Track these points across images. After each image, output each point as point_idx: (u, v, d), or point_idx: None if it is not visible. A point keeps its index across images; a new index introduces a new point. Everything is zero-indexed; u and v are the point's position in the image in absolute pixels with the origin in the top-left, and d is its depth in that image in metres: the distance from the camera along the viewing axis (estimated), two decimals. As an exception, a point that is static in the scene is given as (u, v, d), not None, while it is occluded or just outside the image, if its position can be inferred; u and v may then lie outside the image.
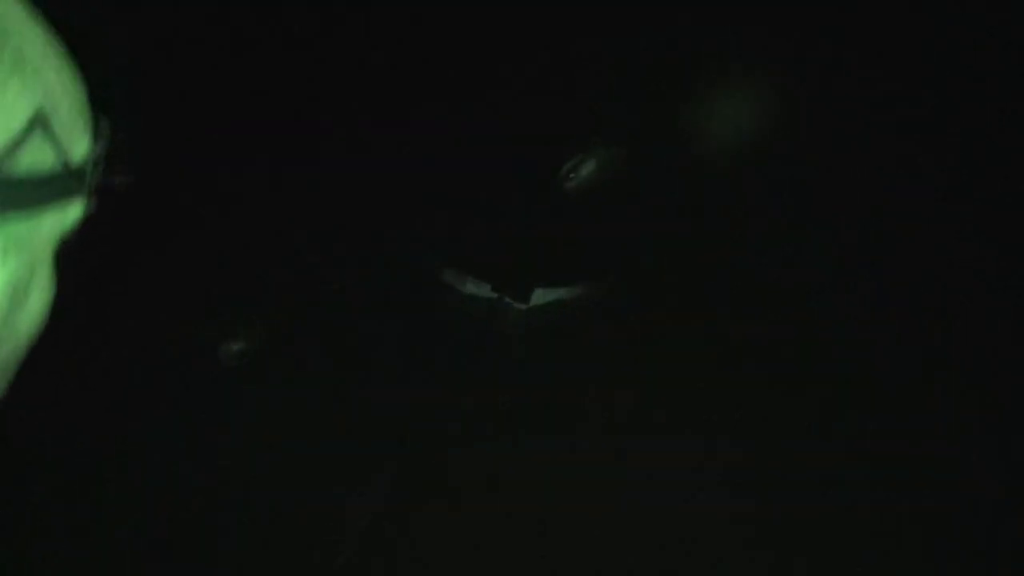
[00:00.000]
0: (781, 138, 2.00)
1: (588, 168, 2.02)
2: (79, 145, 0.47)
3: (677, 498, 1.82)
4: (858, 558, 1.75)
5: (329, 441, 1.81)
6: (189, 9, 1.88)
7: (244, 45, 1.91)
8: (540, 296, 2.03)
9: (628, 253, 2.05)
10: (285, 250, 1.96)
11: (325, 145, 1.99)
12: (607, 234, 2.05)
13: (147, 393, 1.75)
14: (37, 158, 0.43)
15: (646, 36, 1.98)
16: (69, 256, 0.49)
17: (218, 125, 1.89)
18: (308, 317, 1.93)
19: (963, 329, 1.87)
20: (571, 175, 2.02)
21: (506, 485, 1.83)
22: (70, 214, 0.47)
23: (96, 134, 0.48)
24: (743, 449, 1.85)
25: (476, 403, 1.92)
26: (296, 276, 1.95)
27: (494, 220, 2.06)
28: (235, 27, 1.92)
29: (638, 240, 2.04)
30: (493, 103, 2.02)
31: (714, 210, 1.99)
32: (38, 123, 0.43)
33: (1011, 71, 1.92)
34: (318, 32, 1.99)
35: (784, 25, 1.95)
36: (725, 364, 1.89)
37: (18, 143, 0.42)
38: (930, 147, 1.93)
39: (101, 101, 0.49)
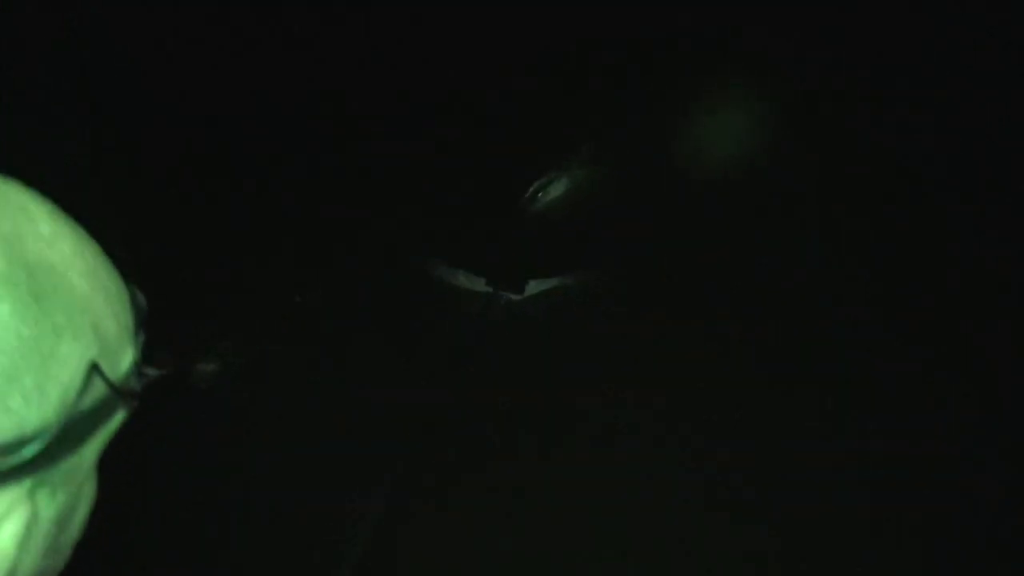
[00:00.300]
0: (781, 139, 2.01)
1: (571, 179, 2.05)
2: (125, 359, 0.48)
3: (673, 495, 1.82)
4: (858, 557, 1.75)
5: (327, 441, 1.81)
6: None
7: (233, 48, 1.92)
8: (534, 287, 2.04)
9: (623, 246, 2.06)
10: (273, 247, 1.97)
11: (313, 145, 2.00)
12: (602, 228, 2.06)
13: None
14: (90, 398, 0.44)
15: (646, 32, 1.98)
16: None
17: (200, 127, 1.90)
18: (300, 316, 1.94)
19: (966, 330, 1.87)
20: (549, 186, 2.05)
21: (503, 482, 1.83)
22: (115, 422, 0.48)
23: (137, 338, 0.49)
24: (741, 446, 1.85)
25: (472, 399, 1.93)
26: (286, 272, 1.96)
27: (487, 215, 2.07)
28: (219, 27, 1.93)
29: (633, 234, 2.05)
30: (491, 97, 2.03)
31: (711, 205, 1.99)
32: (93, 372, 0.44)
33: (1012, 71, 1.92)
34: (314, 32, 2.00)
35: (781, 26, 1.95)
36: (722, 360, 1.89)
37: (76, 397, 0.43)
38: (932, 147, 1.93)
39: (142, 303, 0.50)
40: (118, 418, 0.47)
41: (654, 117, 2.04)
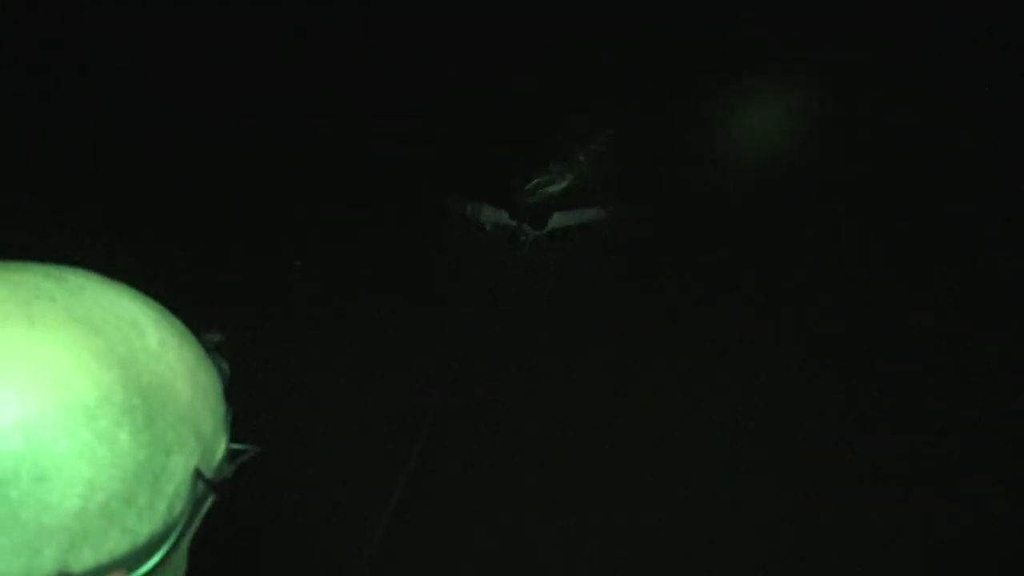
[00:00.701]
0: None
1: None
2: (220, 448, 0.50)
3: (680, 431, 1.83)
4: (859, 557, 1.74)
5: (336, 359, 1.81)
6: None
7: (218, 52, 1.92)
8: (559, 220, 2.02)
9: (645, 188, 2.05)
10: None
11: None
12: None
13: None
14: (192, 499, 0.47)
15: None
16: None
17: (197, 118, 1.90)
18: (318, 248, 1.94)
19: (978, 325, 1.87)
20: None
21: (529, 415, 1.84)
22: (207, 507, 0.50)
23: (227, 417, 0.51)
24: (745, 387, 1.85)
25: (494, 333, 1.91)
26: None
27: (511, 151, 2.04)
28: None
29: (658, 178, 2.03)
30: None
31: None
32: (196, 478, 0.47)
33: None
34: (315, 32, 2.01)
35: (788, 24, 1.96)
36: (735, 304, 1.90)
37: (182, 504, 0.46)
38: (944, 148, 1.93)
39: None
40: (210, 504, 0.50)
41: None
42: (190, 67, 1.95)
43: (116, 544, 0.43)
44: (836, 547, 1.72)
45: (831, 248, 2.00)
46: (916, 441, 1.78)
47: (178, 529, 0.46)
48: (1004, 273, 1.91)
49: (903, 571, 1.70)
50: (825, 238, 2.00)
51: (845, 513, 1.73)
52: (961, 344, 1.88)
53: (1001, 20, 1.94)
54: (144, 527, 0.44)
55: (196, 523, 0.49)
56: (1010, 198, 1.94)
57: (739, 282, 1.95)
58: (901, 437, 1.79)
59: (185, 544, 0.49)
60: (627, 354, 1.89)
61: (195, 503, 0.47)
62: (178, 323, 0.49)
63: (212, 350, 0.51)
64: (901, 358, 1.89)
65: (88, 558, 0.42)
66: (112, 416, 0.43)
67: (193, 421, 0.47)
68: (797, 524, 1.72)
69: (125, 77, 1.96)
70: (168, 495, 0.45)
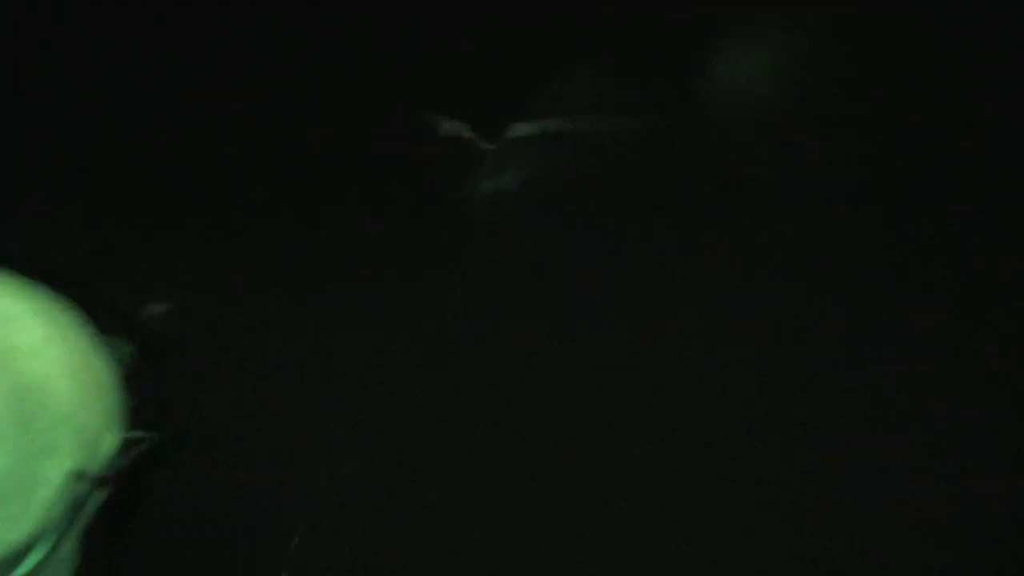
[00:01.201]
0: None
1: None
2: (108, 441, 0.48)
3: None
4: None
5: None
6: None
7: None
8: (520, 130, 1.88)
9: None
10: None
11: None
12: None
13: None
14: (73, 498, 0.46)
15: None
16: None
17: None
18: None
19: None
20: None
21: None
22: (97, 499, 0.48)
23: (124, 403, 0.49)
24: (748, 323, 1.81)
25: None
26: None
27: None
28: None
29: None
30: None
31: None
32: (76, 479, 0.45)
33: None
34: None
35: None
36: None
37: (59, 506, 0.45)
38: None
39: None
40: (100, 496, 0.49)
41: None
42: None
43: None
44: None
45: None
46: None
47: (56, 532, 0.45)
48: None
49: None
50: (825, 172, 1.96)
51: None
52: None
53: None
54: (14, 535, 0.43)
55: (83, 520, 0.47)
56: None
57: (726, 209, 1.90)
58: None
59: (70, 543, 0.47)
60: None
61: (77, 503, 0.46)
62: (69, 314, 0.48)
63: (115, 337, 0.50)
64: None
65: None
66: None
67: (75, 420, 0.45)
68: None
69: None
70: (43, 500, 0.44)
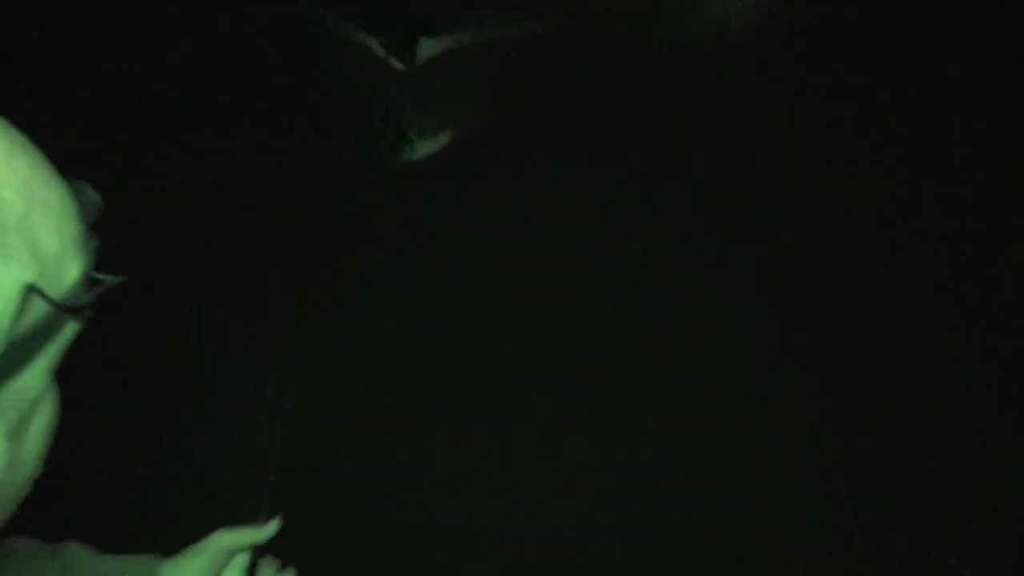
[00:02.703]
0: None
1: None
2: (71, 272, 0.46)
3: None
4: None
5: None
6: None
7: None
8: (429, 48, 1.81)
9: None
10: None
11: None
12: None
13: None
14: (31, 319, 0.43)
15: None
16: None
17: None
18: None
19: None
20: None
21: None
22: (67, 334, 0.46)
23: (89, 243, 0.47)
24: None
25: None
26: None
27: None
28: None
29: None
30: None
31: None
32: (30, 291, 0.43)
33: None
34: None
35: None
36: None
37: (12, 321, 0.42)
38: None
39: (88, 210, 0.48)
40: (70, 331, 0.46)
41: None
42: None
43: None
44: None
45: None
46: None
47: (14, 349, 0.42)
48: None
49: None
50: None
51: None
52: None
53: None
54: None
55: (48, 350, 0.45)
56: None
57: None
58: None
59: (38, 374, 0.45)
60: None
61: (41, 326, 0.44)
62: (22, 140, 0.45)
63: (76, 181, 0.47)
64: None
65: None
66: None
67: (26, 234, 0.43)
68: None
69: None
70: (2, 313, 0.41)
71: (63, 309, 0.45)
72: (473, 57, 1.83)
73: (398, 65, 1.82)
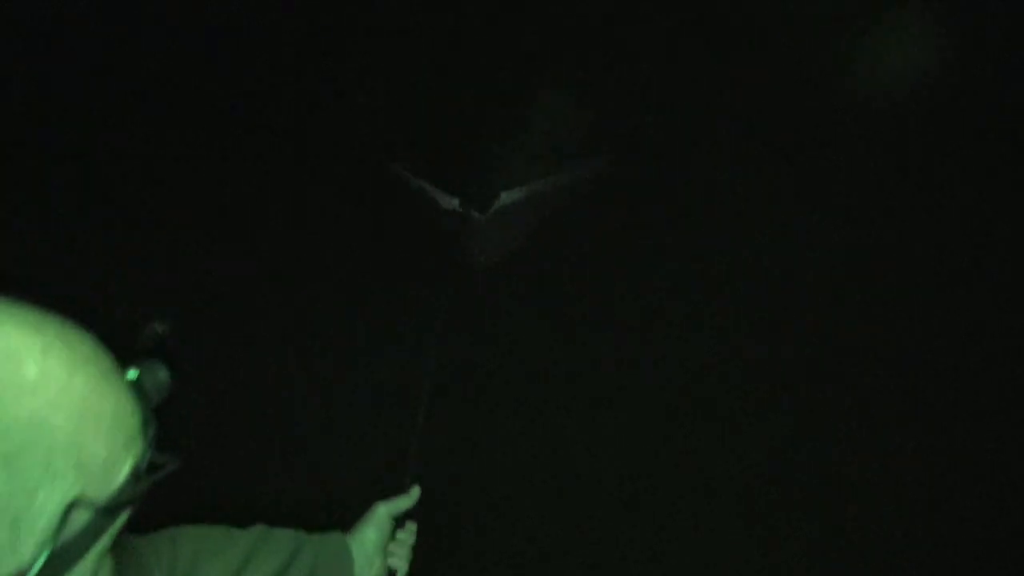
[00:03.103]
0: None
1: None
2: (120, 472, 0.47)
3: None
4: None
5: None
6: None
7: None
8: (507, 199, 2.03)
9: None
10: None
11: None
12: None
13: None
14: (77, 524, 0.45)
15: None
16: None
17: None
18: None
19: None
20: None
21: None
22: (118, 523, 0.48)
23: (142, 440, 0.48)
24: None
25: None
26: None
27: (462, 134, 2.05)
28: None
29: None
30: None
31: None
32: (75, 506, 0.45)
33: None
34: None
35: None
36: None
37: (55, 535, 0.44)
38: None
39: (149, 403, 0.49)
40: (120, 521, 0.48)
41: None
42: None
43: None
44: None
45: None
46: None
47: (61, 554, 0.44)
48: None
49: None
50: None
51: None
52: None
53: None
54: (6, 564, 0.43)
55: (98, 545, 0.46)
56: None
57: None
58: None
59: (90, 560, 0.46)
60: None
61: (86, 530, 0.45)
62: (83, 345, 0.46)
63: (147, 362, 0.49)
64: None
65: None
66: None
67: (75, 454, 0.45)
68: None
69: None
70: (38, 529, 0.44)
71: (109, 511, 0.46)
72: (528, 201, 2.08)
73: (476, 215, 2.05)
